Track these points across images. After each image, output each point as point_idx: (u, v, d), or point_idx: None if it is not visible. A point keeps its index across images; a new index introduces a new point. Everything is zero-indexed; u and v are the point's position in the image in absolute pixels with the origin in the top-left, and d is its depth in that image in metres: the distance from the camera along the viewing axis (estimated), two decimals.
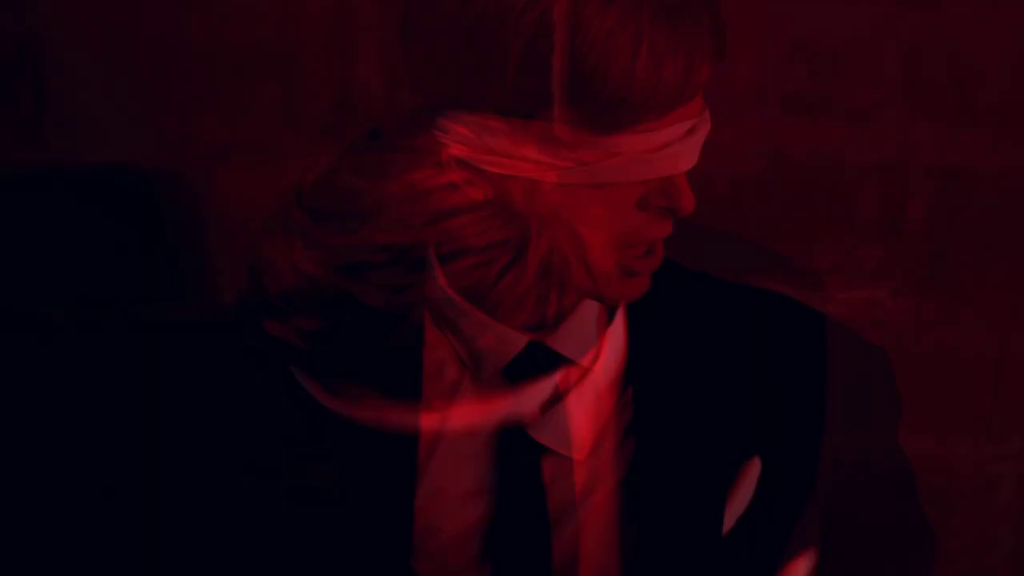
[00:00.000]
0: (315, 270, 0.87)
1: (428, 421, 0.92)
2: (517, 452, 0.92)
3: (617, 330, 0.94)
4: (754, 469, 0.95)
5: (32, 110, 1.30)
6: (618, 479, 0.92)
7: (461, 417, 0.92)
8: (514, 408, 0.92)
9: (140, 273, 1.36)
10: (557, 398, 0.91)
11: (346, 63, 1.29)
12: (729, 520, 0.95)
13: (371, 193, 0.83)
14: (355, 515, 0.99)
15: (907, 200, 1.37)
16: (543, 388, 0.92)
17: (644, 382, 0.93)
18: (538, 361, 0.92)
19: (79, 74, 1.29)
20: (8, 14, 1.27)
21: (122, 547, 1.43)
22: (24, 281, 1.35)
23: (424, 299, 0.91)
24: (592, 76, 0.77)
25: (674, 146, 0.82)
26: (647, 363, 0.94)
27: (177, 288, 1.37)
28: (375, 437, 0.97)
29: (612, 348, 0.94)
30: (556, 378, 0.92)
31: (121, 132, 1.31)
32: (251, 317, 0.97)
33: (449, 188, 0.81)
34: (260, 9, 1.28)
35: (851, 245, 1.38)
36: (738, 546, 0.95)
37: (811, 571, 0.97)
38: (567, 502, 0.91)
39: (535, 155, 0.79)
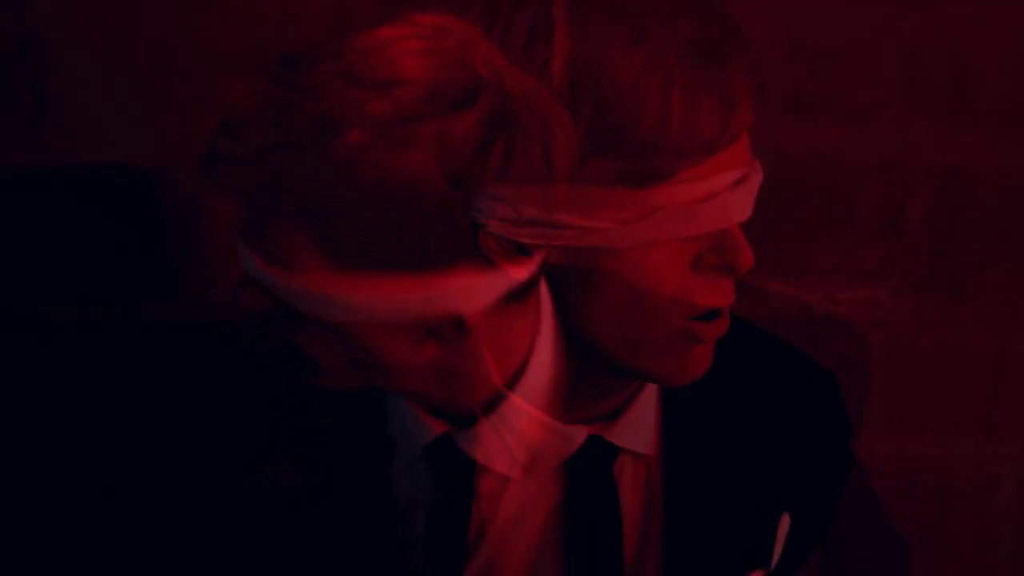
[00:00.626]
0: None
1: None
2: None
3: (650, 392, 0.90)
4: (784, 525, 0.93)
5: (32, 110, 1.30)
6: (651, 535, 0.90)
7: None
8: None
9: (140, 273, 1.36)
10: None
11: None
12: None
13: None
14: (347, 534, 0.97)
15: (907, 200, 1.37)
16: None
17: (676, 446, 0.91)
18: (597, 454, 0.88)
19: (79, 74, 1.29)
20: (8, 14, 1.27)
21: (122, 547, 1.43)
22: (24, 281, 1.35)
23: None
24: (623, 125, 0.72)
25: (722, 196, 0.76)
26: (679, 426, 0.91)
27: (177, 288, 1.37)
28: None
29: (644, 411, 0.90)
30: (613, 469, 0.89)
31: (121, 132, 1.31)
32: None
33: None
34: (260, 9, 1.28)
35: (851, 245, 1.38)
36: None
37: None
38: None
39: (573, 219, 0.73)
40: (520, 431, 0.84)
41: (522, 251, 0.75)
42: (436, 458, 0.89)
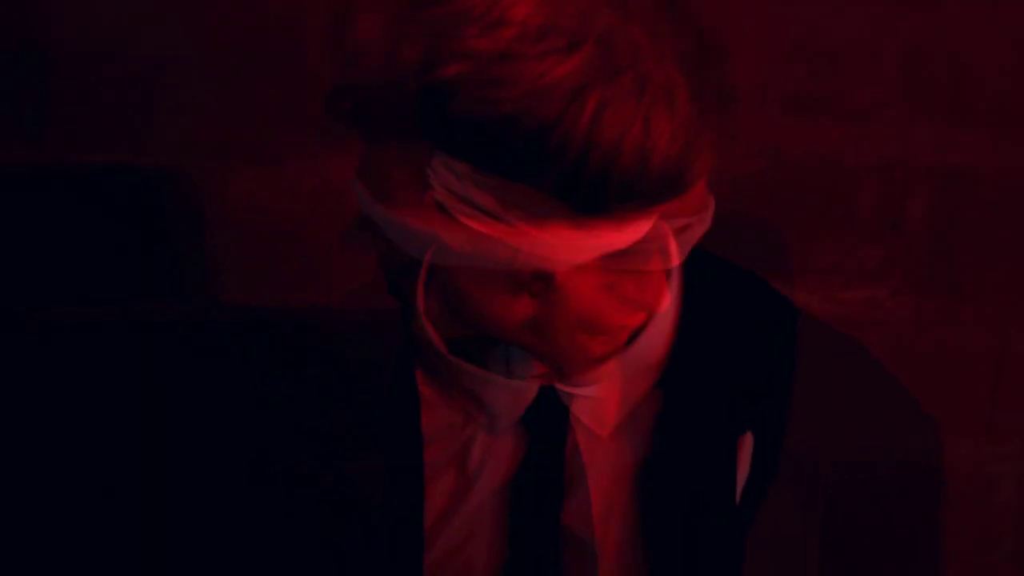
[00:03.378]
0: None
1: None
2: (545, 418, 0.90)
3: (668, 317, 0.90)
4: (748, 444, 0.95)
5: (32, 110, 1.30)
6: (639, 459, 0.91)
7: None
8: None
9: (140, 273, 1.36)
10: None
11: None
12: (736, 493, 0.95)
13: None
14: (359, 523, 0.99)
15: (907, 200, 1.37)
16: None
17: (679, 371, 0.92)
18: (553, 404, 0.90)
19: (79, 74, 1.29)
20: (10, 14, 1.27)
21: (122, 546, 1.43)
22: (24, 281, 1.35)
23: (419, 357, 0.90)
24: (581, 152, 0.72)
25: (661, 242, 0.78)
26: (687, 353, 0.92)
27: (177, 288, 1.37)
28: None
29: (660, 332, 0.90)
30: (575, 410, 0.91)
31: (121, 132, 1.31)
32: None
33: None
34: (260, 9, 1.28)
35: (851, 245, 1.38)
36: (733, 522, 0.95)
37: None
38: (581, 475, 0.90)
39: (514, 219, 0.74)
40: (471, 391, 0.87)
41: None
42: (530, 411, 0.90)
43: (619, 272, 0.80)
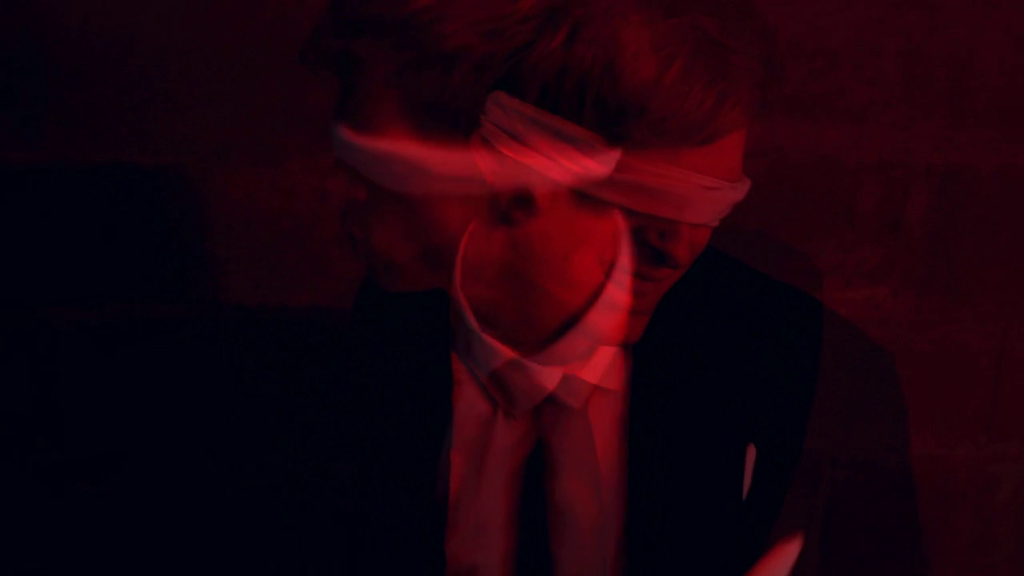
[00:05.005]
0: None
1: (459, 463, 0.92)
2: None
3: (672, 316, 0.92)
4: (750, 455, 0.95)
5: (32, 110, 1.30)
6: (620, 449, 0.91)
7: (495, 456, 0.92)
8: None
9: (140, 273, 1.36)
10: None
11: None
12: (732, 504, 0.95)
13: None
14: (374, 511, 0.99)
15: (907, 200, 1.37)
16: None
17: (646, 362, 0.92)
18: (571, 391, 0.90)
19: (79, 74, 1.29)
20: (9, 14, 1.27)
21: (123, 546, 1.42)
22: (24, 281, 1.35)
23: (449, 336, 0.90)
24: (617, 79, 0.75)
25: (686, 192, 0.80)
26: (644, 357, 0.93)
27: (177, 288, 1.37)
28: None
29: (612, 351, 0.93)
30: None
31: (121, 132, 1.31)
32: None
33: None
34: (260, 9, 1.28)
35: (851, 245, 1.38)
36: (736, 529, 0.95)
37: (798, 556, 0.98)
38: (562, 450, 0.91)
39: (550, 150, 0.77)
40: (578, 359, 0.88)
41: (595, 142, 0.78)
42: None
43: (646, 218, 0.81)
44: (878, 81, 1.33)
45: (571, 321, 0.86)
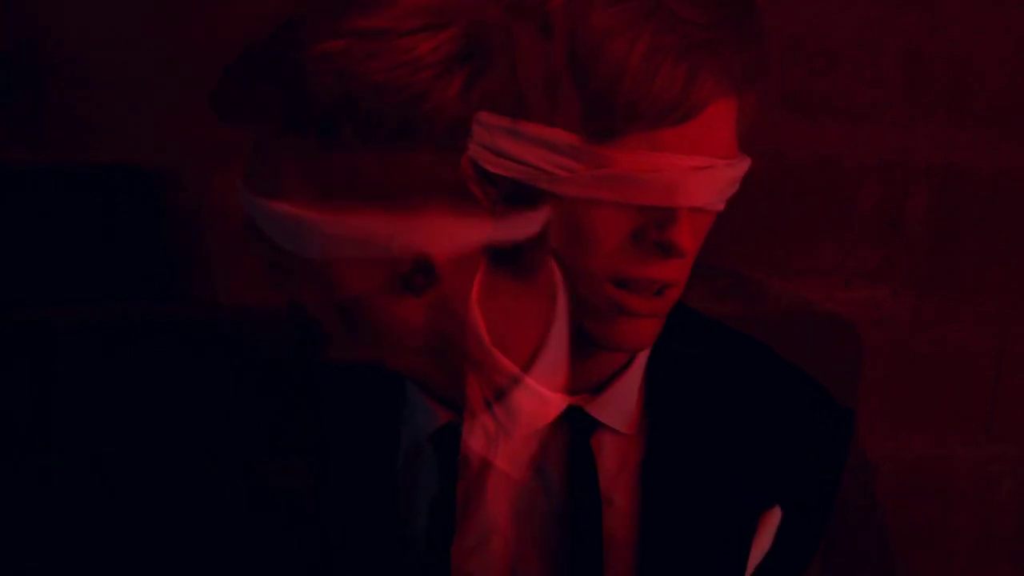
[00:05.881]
0: None
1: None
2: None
3: (635, 375, 0.91)
4: (774, 518, 0.93)
5: (32, 110, 1.30)
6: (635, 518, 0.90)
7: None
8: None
9: (140, 273, 1.36)
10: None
11: None
12: (749, 567, 0.93)
13: None
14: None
15: (907, 200, 1.37)
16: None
17: (658, 431, 0.91)
18: (576, 425, 0.89)
19: (79, 74, 1.29)
20: (9, 14, 1.27)
21: (122, 546, 1.43)
22: (24, 281, 1.35)
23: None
24: (585, 72, 0.75)
25: (673, 174, 0.78)
26: (661, 412, 0.92)
27: (177, 288, 1.37)
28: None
29: (627, 391, 0.90)
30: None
31: (121, 132, 1.31)
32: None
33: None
34: (260, 9, 1.28)
35: (851, 245, 1.38)
36: None
37: None
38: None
39: (531, 158, 0.76)
40: (517, 413, 0.86)
41: (513, 200, 0.77)
42: (440, 447, 0.89)
43: (639, 212, 0.80)
44: (878, 81, 1.33)
45: (509, 383, 0.84)
